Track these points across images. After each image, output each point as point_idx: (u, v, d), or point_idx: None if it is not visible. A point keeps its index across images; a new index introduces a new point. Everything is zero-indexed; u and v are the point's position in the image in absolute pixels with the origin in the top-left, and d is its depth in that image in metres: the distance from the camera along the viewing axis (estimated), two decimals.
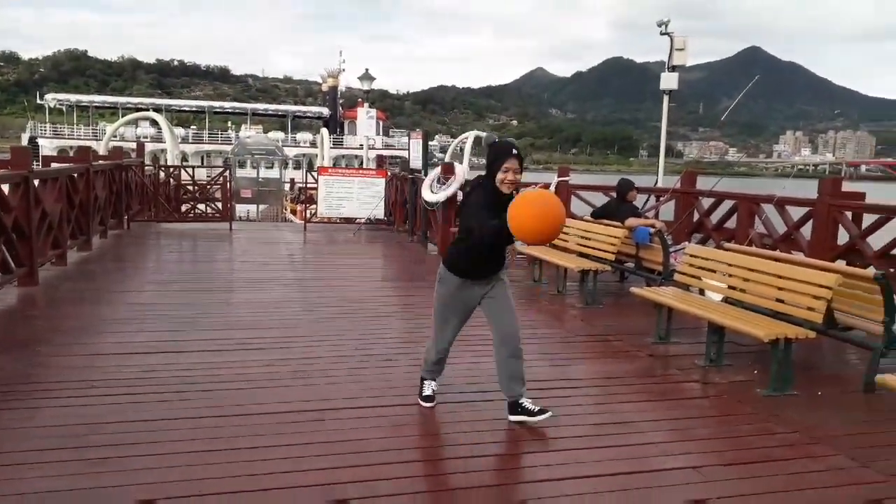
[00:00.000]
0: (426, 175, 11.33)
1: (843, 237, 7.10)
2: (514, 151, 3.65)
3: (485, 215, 3.58)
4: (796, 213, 7.66)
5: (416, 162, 12.10)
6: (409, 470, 3.26)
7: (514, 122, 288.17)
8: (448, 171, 10.60)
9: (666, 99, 10.60)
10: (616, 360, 5.26)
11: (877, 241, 6.80)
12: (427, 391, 4.16)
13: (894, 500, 3.16)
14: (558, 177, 10.35)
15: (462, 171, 10.64)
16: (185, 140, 48.52)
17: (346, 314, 6.47)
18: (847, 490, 3.21)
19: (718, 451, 3.63)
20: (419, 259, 10.50)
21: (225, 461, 3.29)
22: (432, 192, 10.55)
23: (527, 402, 3.88)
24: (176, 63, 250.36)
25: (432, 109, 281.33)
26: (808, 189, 8.26)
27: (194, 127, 58.74)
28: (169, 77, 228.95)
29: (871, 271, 4.97)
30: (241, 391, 4.27)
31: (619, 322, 6.44)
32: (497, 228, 3.45)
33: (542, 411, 3.83)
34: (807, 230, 7.46)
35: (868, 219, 7.03)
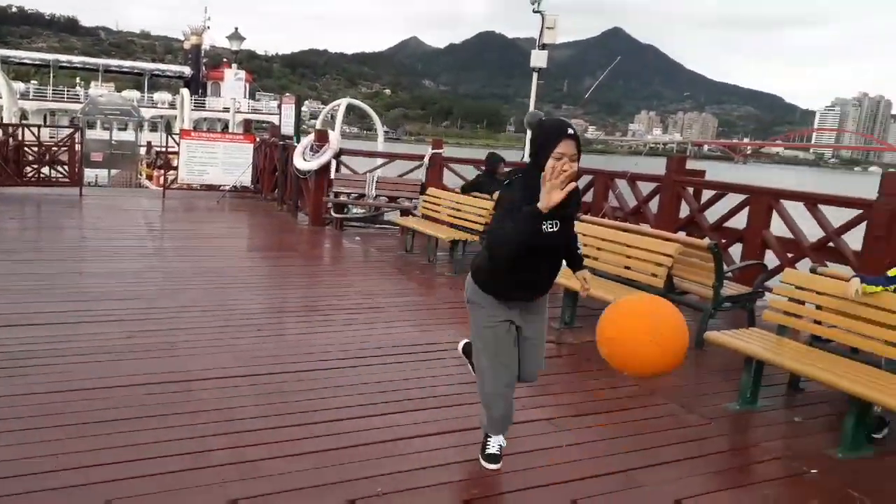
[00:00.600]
0: (298, 142, 11.11)
1: (685, 210, 7.84)
2: (570, 131, 2.71)
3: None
4: (646, 188, 8.34)
5: (287, 128, 11.81)
6: (278, 435, 3.31)
7: (388, 92, 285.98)
8: (322, 138, 10.47)
9: (535, 77, 10.98)
10: None
11: (712, 214, 7.58)
12: (493, 448, 3.17)
13: (714, 438, 3.64)
14: (432, 149, 10.52)
15: (336, 139, 10.55)
16: (24, 96, 43.89)
17: (211, 285, 6.30)
18: (676, 432, 3.66)
19: (570, 403, 3.98)
20: (289, 228, 10.35)
21: (87, 434, 3.18)
22: (305, 159, 10.39)
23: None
24: (14, 9, 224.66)
25: (302, 73, 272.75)
26: (658, 166, 9.00)
27: (35, 82, 53.19)
28: (5, 25, 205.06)
29: (706, 241, 5.56)
30: (99, 364, 4.09)
31: None
32: (528, 217, 2.60)
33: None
34: (654, 204, 8.15)
35: (706, 194, 7.81)
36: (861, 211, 6.01)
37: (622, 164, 9.49)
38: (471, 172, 10.05)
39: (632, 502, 2.88)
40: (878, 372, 3.64)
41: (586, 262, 5.90)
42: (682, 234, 7.05)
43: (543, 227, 2.69)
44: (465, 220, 7.93)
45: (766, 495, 3.09)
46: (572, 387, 4.28)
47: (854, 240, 6.10)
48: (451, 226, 8.11)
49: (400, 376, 4.22)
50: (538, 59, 10.92)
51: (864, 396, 3.37)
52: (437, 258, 8.08)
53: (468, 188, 8.63)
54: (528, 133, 2.74)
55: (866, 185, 7.78)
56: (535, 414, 3.77)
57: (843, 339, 4.04)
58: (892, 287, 3.82)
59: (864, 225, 5.94)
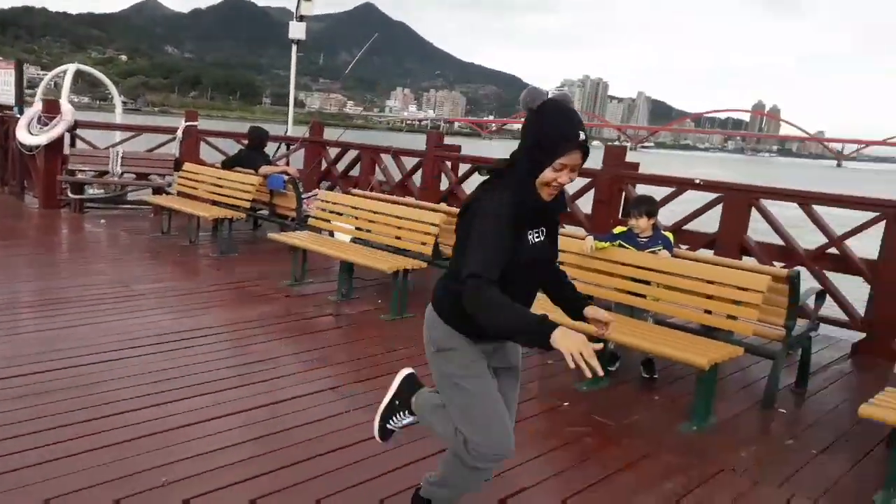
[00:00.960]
0: (21, 113, 9.65)
1: (444, 183, 8.36)
2: (582, 136, 2.04)
3: (501, 251, 2.02)
4: (409, 162, 8.72)
5: (5, 97, 10.17)
6: (44, 439, 2.96)
7: (124, 58, 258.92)
8: (52, 109, 9.20)
9: (294, 49, 10.73)
10: (254, 304, 5.41)
11: (469, 186, 8.18)
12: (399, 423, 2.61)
13: None
14: (186, 121, 9.83)
15: (70, 110, 9.36)
16: None
17: None
18: None
19: (352, 371, 4.11)
20: (14, 213, 8.99)
21: None
22: (31, 133, 9.06)
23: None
24: None
25: (16, 34, 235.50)
26: (418, 142, 9.43)
27: None
28: None
29: None
30: None
31: (255, 268, 6.58)
32: (530, 325, 1.92)
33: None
34: (417, 177, 8.57)
35: (463, 168, 8.40)
36: (589, 180, 6.94)
37: (384, 140, 9.82)
38: (231, 147, 9.63)
39: (411, 454, 3.10)
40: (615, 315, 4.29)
41: (361, 234, 6.10)
42: (444, 205, 7.52)
43: (529, 237, 2.12)
44: (229, 196, 7.61)
45: (530, 430, 3.52)
46: (353, 355, 4.40)
47: (585, 204, 7.03)
48: (214, 203, 7.72)
49: (171, 364, 3.99)
50: (297, 30, 10.70)
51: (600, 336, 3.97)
52: (199, 239, 7.64)
53: (230, 163, 8.27)
54: (525, 115, 2.02)
55: (592, 158, 8.96)
56: (320, 385, 3.84)
57: (581, 289, 4.66)
58: (617, 242, 4.52)
59: (592, 192, 6.87)
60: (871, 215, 5.36)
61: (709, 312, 4.11)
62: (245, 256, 7.16)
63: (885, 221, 5.23)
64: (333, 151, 9.83)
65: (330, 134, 10.47)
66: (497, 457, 2.25)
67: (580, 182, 7.08)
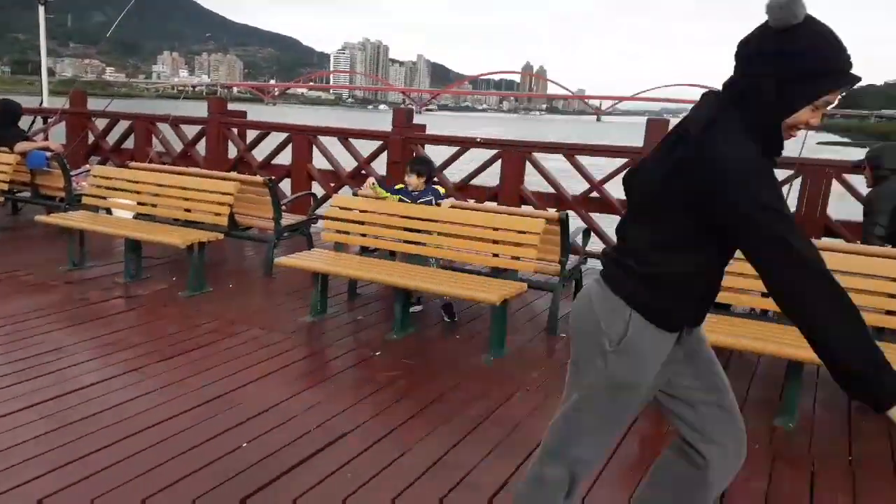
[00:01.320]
0: None
1: (233, 151, 8.07)
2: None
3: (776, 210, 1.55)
4: (191, 131, 8.26)
5: None
6: None
7: None
8: None
9: (42, 10, 9.52)
10: (29, 294, 4.90)
11: (259, 153, 7.99)
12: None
13: (296, 348, 4.09)
14: None
15: None
16: None
17: None
18: (261, 351, 3.99)
19: (154, 351, 3.93)
20: None
21: None
22: None
23: None
24: None
25: None
26: (196, 109, 8.94)
27: None
28: None
29: (262, 178, 5.89)
30: None
31: (23, 256, 5.91)
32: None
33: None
34: (201, 146, 8.17)
35: (251, 134, 8.16)
36: (382, 142, 7.14)
37: (154, 108, 9.16)
38: None
39: (231, 419, 3.12)
40: (412, 267, 4.55)
41: (146, 210, 5.72)
42: (235, 173, 7.28)
43: None
44: None
45: (348, 380, 3.68)
46: (152, 335, 4.21)
47: (379, 166, 7.23)
48: None
49: None
50: None
51: (405, 286, 4.23)
52: None
53: None
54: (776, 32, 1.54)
55: (381, 121, 9.15)
56: (120, 368, 3.64)
57: (383, 245, 4.91)
58: (397, 197, 4.83)
59: (385, 153, 7.09)
60: (622, 161, 6.19)
61: (496, 256, 4.54)
62: (8, 244, 6.38)
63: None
64: (101, 123, 8.99)
65: (94, 105, 9.53)
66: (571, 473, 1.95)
67: (374, 144, 7.26)
